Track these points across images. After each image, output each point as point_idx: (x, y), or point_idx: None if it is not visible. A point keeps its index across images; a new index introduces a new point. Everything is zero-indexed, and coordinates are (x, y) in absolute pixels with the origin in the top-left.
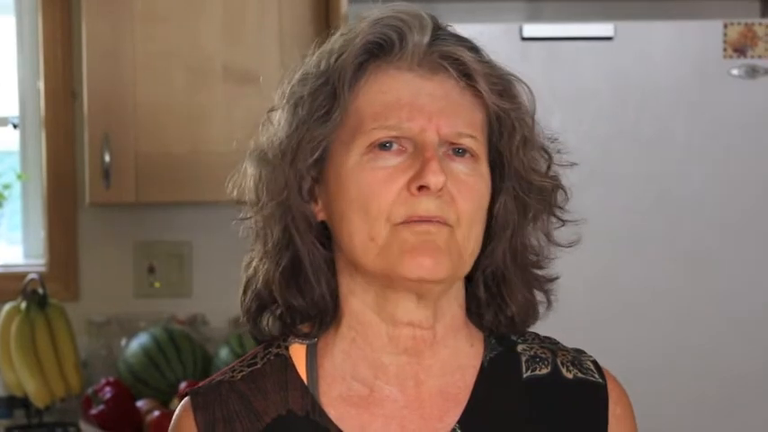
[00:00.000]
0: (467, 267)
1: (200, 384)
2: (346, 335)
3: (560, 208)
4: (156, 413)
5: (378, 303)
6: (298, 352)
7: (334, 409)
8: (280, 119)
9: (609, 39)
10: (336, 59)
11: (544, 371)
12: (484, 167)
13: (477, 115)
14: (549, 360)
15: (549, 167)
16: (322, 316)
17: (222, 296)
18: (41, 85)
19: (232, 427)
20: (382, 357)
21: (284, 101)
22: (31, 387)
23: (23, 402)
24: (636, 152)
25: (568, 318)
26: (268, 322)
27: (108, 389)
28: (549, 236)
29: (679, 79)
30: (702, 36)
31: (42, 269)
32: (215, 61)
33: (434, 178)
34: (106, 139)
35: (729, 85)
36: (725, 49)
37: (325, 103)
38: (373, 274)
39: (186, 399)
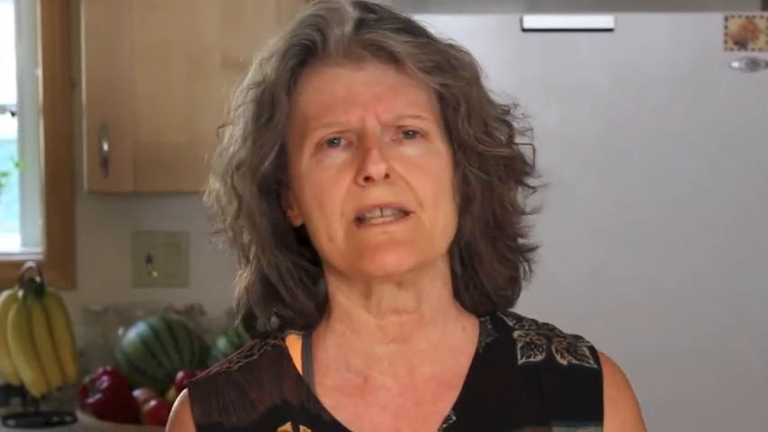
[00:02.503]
0: (441, 247)
1: (198, 376)
2: (336, 328)
3: (520, 175)
4: (153, 402)
5: (362, 296)
6: (294, 343)
7: (328, 399)
8: (231, 132)
9: (609, 30)
10: (270, 67)
11: (539, 357)
12: (438, 144)
13: (420, 94)
14: (544, 347)
15: (510, 137)
16: (310, 315)
17: (219, 286)
18: (40, 72)
19: (227, 417)
20: (373, 348)
21: (233, 114)
22: (28, 375)
23: (20, 391)
24: (635, 144)
25: (564, 310)
26: (264, 323)
27: (105, 378)
28: (513, 204)
29: (679, 71)
30: (703, 28)
31: (40, 257)
32: (213, 50)
33: (375, 167)
34: (104, 127)
35: (730, 78)
36: (725, 42)
37: (267, 110)
38: (344, 272)
39: (185, 390)
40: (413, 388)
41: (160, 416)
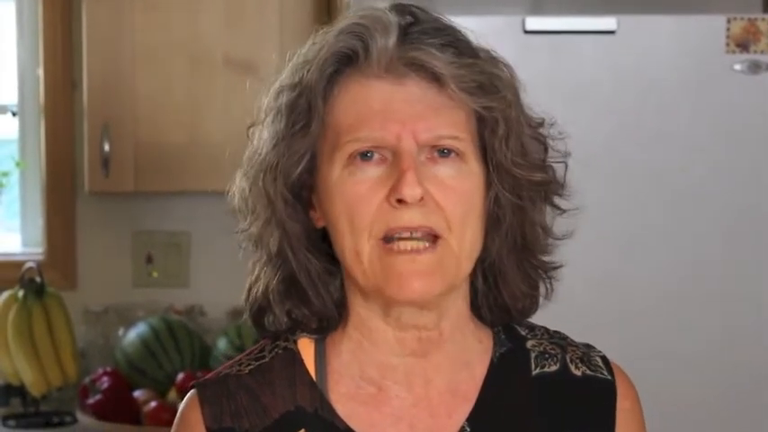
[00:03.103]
0: (467, 269)
1: (207, 377)
2: (353, 336)
3: (555, 198)
4: (153, 403)
5: (383, 309)
6: (306, 347)
7: (342, 407)
8: (261, 134)
9: (611, 32)
10: (308, 72)
11: (553, 368)
12: (473, 164)
13: (460, 114)
14: (559, 357)
15: (544, 159)
16: (327, 320)
17: (220, 286)
18: (41, 73)
19: (239, 422)
20: (390, 359)
21: (264, 115)
22: (28, 376)
23: (20, 391)
24: (638, 147)
25: (569, 314)
26: (273, 321)
27: (105, 378)
28: (544, 227)
29: (681, 74)
30: (705, 31)
31: (40, 258)
32: (215, 51)
33: (410, 191)
34: (105, 127)
35: (732, 81)
36: (727, 44)
37: (302, 116)
38: (364, 287)
39: (193, 391)
40: (427, 399)
41: (160, 417)
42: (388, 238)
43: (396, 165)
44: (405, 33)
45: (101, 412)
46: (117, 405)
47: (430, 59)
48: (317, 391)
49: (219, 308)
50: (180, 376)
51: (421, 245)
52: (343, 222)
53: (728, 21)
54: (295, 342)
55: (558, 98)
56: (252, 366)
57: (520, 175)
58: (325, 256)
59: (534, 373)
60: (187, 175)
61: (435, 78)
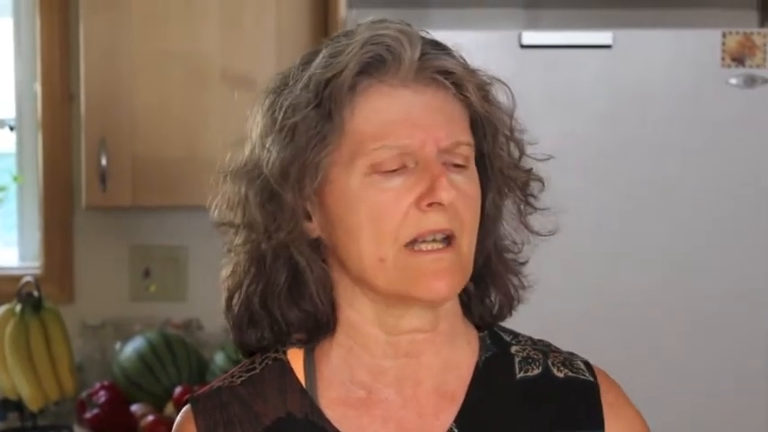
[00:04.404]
0: (471, 271)
1: (201, 391)
2: (343, 343)
3: (534, 197)
4: (151, 417)
5: (378, 315)
6: (295, 356)
7: (332, 411)
8: (271, 146)
9: (608, 47)
10: (328, 82)
11: (535, 371)
12: (474, 172)
13: (466, 121)
14: (541, 361)
15: (520, 158)
16: (318, 326)
17: (217, 301)
18: (38, 87)
19: (232, 431)
20: (382, 362)
21: (272, 126)
22: (26, 390)
23: (17, 405)
24: (633, 160)
25: (563, 323)
26: (258, 334)
27: (102, 393)
28: (525, 224)
29: (677, 88)
30: (701, 45)
31: (38, 272)
32: (212, 65)
33: (446, 194)
34: (103, 141)
35: (727, 94)
36: (723, 59)
37: (322, 128)
38: (384, 294)
39: (187, 405)
40: (416, 401)
41: (157, 431)
42: (411, 244)
43: (422, 171)
44: (423, 46)
45: (98, 426)
46: (114, 419)
47: (454, 67)
48: (306, 398)
49: (217, 322)
50: (177, 390)
51: (441, 246)
52: (366, 229)
53: (724, 35)
54: (284, 353)
55: (554, 112)
56: (243, 378)
57: (519, 177)
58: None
59: (518, 377)
60: (184, 189)
61: (452, 86)
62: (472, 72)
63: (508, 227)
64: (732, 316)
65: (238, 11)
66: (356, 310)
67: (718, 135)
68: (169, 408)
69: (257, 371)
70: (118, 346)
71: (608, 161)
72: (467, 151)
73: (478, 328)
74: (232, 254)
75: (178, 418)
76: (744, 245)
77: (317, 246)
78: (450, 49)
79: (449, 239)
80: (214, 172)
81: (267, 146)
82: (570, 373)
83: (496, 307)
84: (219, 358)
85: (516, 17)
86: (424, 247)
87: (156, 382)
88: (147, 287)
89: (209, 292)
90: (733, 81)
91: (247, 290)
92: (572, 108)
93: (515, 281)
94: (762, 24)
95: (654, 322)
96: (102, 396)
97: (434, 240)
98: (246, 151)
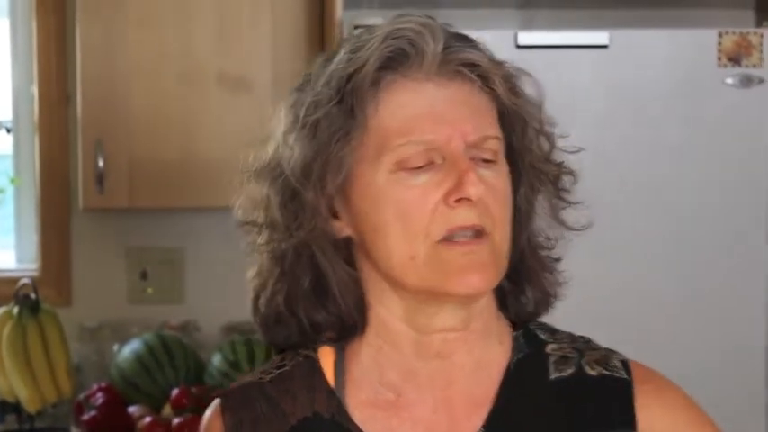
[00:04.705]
0: (506, 267)
1: (230, 387)
2: (373, 342)
3: (566, 191)
4: (148, 419)
5: (409, 314)
6: (326, 355)
7: (360, 413)
8: (293, 143)
9: (604, 47)
10: (350, 77)
11: (569, 371)
12: (504, 166)
13: (494, 114)
14: (575, 360)
15: (551, 152)
16: (347, 326)
17: (215, 302)
18: (35, 89)
19: (258, 429)
20: (412, 362)
21: (294, 124)
22: (23, 392)
23: (15, 407)
24: (630, 160)
25: (561, 322)
26: (286, 334)
27: (100, 394)
28: (558, 220)
29: (673, 88)
30: (697, 45)
31: (35, 274)
32: (208, 67)
33: (474, 189)
34: (99, 143)
35: (723, 94)
36: (719, 58)
37: (344, 124)
38: (415, 291)
39: (216, 401)
40: (446, 403)
41: (156, 430)
42: (446, 241)
43: (449, 166)
44: (447, 38)
45: (95, 428)
46: (111, 421)
47: (479, 59)
48: (334, 398)
49: (214, 323)
50: (174, 391)
51: (476, 244)
52: (395, 228)
53: (720, 35)
54: (315, 350)
55: (551, 113)
56: (273, 375)
57: (550, 171)
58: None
59: (552, 377)
60: (181, 190)
61: (477, 78)
62: (498, 64)
63: (541, 222)
64: (729, 313)
65: (234, 13)
66: (387, 309)
67: (714, 135)
68: (166, 409)
69: (287, 368)
70: (115, 347)
71: (604, 160)
72: (495, 145)
73: (514, 325)
74: (256, 254)
75: (206, 413)
76: (740, 244)
77: (344, 246)
78: (475, 42)
79: (480, 234)
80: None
81: (290, 143)
82: (605, 371)
83: (532, 304)
84: (216, 359)
85: (512, 17)
86: (459, 243)
87: (153, 383)
88: (145, 289)
89: (206, 293)
90: (729, 81)
91: (272, 291)
92: (568, 108)
93: (551, 277)
94: (758, 24)
95: (648, 320)
96: (99, 398)
97: (465, 236)
98: (270, 150)
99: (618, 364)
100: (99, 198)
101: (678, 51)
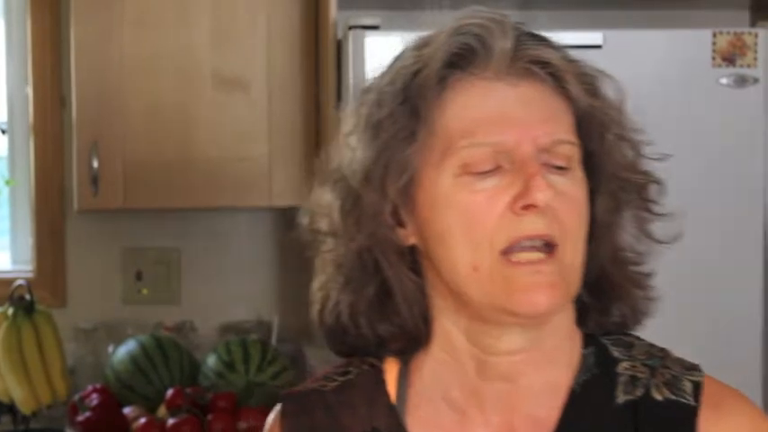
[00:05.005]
0: (580, 281)
1: (294, 389)
2: (437, 356)
3: (653, 202)
4: (143, 420)
5: (474, 333)
6: (391, 367)
7: (421, 430)
8: (355, 145)
9: (598, 47)
10: (415, 75)
11: (637, 394)
12: (580, 173)
13: (569, 118)
14: (645, 381)
15: (637, 161)
16: (412, 338)
17: (210, 303)
18: (30, 90)
19: None
20: (476, 383)
21: (357, 124)
22: (18, 393)
23: (10, 408)
24: None
25: None
26: (351, 343)
27: (94, 395)
28: (645, 231)
29: (668, 88)
30: (692, 45)
31: (30, 275)
32: (203, 67)
33: (542, 195)
34: (94, 145)
35: (718, 94)
36: (714, 58)
37: (408, 123)
38: (479, 306)
39: (280, 403)
40: (508, 427)
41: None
42: (507, 251)
43: (517, 171)
44: (517, 35)
45: (90, 429)
46: (106, 422)
47: (552, 56)
48: (394, 414)
49: (210, 324)
50: (169, 392)
51: (541, 257)
52: (458, 235)
53: (714, 35)
54: (381, 361)
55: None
56: (336, 383)
57: (632, 179)
58: (413, 273)
59: (618, 400)
60: (176, 191)
61: (549, 78)
62: (574, 63)
63: (627, 236)
64: (723, 314)
65: (229, 13)
66: (453, 323)
67: (708, 134)
68: (161, 410)
69: (351, 376)
70: (110, 348)
71: None
72: (569, 151)
73: (588, 339)
74: (321, 263)
75: (270, 416)
76: (734, 243)
77: (410, 255)
78: (549, 40)
79: (549, 247)
80: (209, 174)
81: (352, 145)
82: (671, 396)
83: (619, 320)
84: (211, 360)
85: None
86: (522, 257)
87: (148, 384)
88: (140, 290)
89: (201, 294)
90: (723, 81)
91: (336, 301)
92: None
93: (640, 293)
94: (752, 24)
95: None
96: (94, 399)
97: (533, 247)
98: (335, 154)
99: (688, 386)
100: (94, 199)
101: (672, 51)
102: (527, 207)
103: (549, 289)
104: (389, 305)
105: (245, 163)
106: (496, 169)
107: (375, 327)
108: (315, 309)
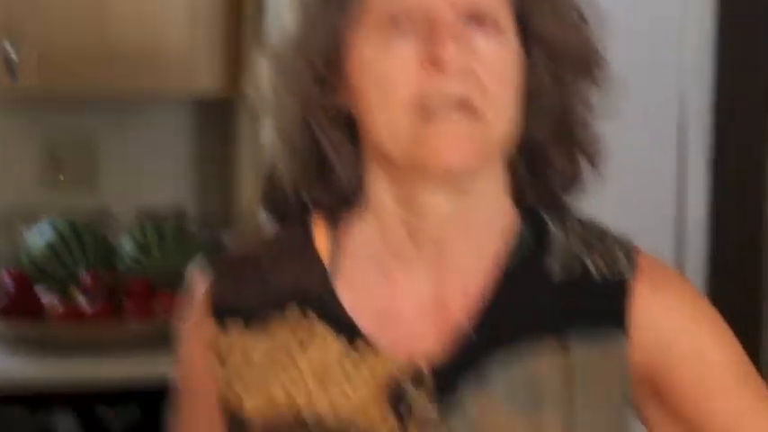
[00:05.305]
0: (503, 147)
1: (222, 255)
2: (369, 221)
3: (593, 73)
4: (56, 301)
5: (401, 195)
6: (320, 227)
7: (347, 293)
8: (287, 18)
9: None
10: None
11: (573, 268)
12: (511, 37)
13: None
14: (580, 256)
15: (583, 31)
16: (346, 203)
17: (128, 190)
18: None
19: (243, 299)
20: (407, 247)
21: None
22: None
23: None
24: None
25: None
26: (288, 205)
27: (8, 280)
28: (586, 103)
29: None
30: None
31: None
32: None
33: (445, 51)
34: (9, 30)
35: None
36: None
37: None
38: (403, 167)
39: (206, 267)
40: (438, 294)
41: (66, 315)
42: (422, 110)
43: (431, 29)
44: None
45: (6, 312)
46: (23, 306)
47: None
48: (324, 274)
49: (127, 210)
50: (83, 275)
51: (458, 117)
52: (376, 96)
53: None
54: (310, 222)
55: None
56: (265, 245)
57: (561, 45)
58: (349, 138)
59: (554, 277)
60: (96, 78)
61: None
62: None
63: (572, 108)
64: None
65: None
66: (384, 190)
67: None
68: (75, 292)
69: (280, 238)
70: (25, 232)
71: None
72: (492, 10)
73: (526, 212)
74: (271, 141)
75: (193, 275)
76: None
77: (348, 124)
78: None
79: (469, 109)
80: (129, 60)
81: (281, 17)
82: (605, 271)
83: (558, 193)
84: (126, 242)
85: None
86: (438, 115)
87: (62, 267)
88: (58, 176)
89: (120, 181)
90: None
91: (280, 171)
92: None
93: (578, 165)
94: None
95: None
96: (8, 283)
97: (449, 107)
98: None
99: (622, 259)
100: (11, 88)
101: None
102: (438, 66)
103: (462, 147)
104: (326, 172)
105: (164, 48)
106: (413, 33)
107: (311, 191)
108: (263, 182)
